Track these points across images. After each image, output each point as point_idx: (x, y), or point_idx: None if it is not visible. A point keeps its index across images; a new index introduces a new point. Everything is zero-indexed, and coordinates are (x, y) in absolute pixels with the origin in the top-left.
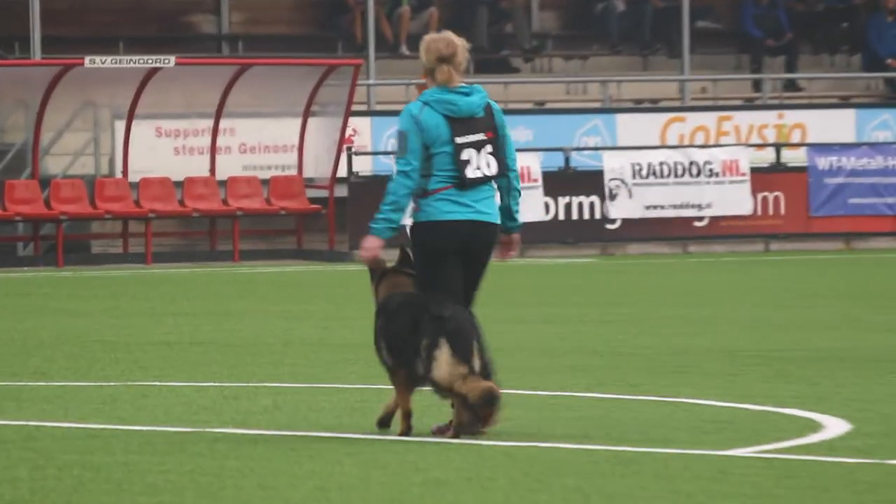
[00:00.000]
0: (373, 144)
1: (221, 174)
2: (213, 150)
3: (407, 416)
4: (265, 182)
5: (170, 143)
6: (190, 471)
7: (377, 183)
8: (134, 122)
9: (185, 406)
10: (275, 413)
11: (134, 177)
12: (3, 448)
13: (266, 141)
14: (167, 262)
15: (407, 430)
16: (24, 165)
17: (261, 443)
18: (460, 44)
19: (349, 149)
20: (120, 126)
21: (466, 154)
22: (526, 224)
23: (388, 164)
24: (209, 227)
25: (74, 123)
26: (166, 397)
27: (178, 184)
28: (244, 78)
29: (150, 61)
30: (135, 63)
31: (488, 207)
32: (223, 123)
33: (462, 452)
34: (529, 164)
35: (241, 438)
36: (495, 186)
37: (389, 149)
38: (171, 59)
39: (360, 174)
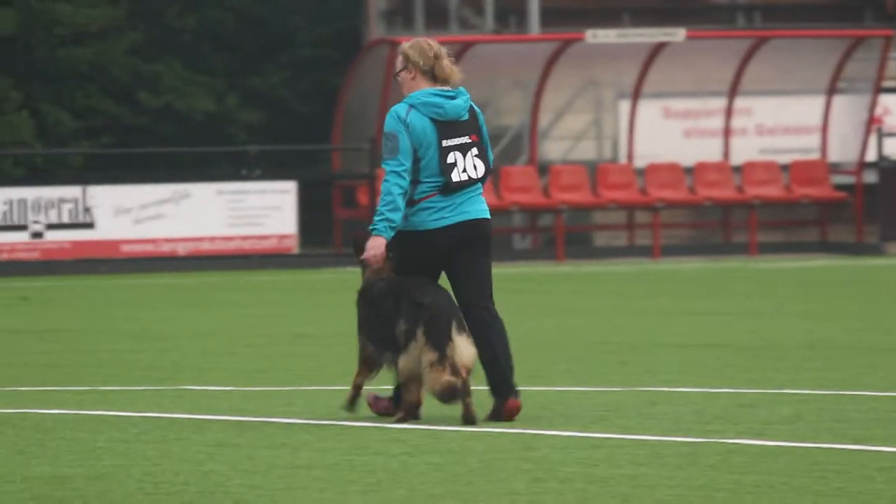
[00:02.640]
0: None
1: (736, 159)
2: (727, 132)
3: (356, 393)
4: (785, 168)
5: (678, 124)
6: (702, 486)
7: None
8: (639, 103)
9: (696, 414)
10: (796, 423)
11: (640, 162)
12: (500, 458)
13: (785, 122)
14: (676, 256)
15: (351, 404)
16: (520, 150)
17: (781, 456)
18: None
19: (879, 129)
20: (624, 107)
21: (452, 157)
22: None
23: None
24: (722, 218)
25: (575, 104)
26: (676, 405)
27: (688, 170)
28: (761, 52)
29: (656, 35)
30: (640, 37)
31: (474, 205)
32: (738, 103)
33: None
34: None
35: (759, 451)
36: (482, 186)
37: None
38: (681, 33)
39: (892, 158)
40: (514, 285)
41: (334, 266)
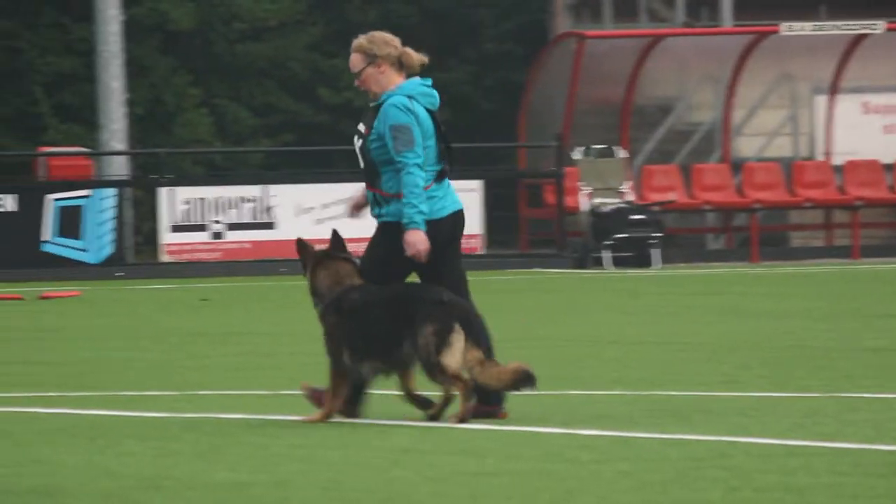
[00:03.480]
0: None
1: None
2: None
3: (329, 415)
4: None
5: (878, 120)
6: None
7: None
8: (837, 98)
9: None
10: None
11: (838, 159)
12: (695, 466)
13: None
14: (876, 257)
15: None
16: (712, 147)
17: None
18: None
19: None
20: (821, 102)
21: (442, 144)
22: None
23: None
24: None
25: (769, 99)
26: (877, 411)
27: (888, 167)
28: None
29: (855, 27)
30: (838, 30)
31: (455, 193)
32: None
33: None
34: None
35: None
36: None
37: None
38: (880, 25)
39: None
40: (707, 287)
41: (520, 267)
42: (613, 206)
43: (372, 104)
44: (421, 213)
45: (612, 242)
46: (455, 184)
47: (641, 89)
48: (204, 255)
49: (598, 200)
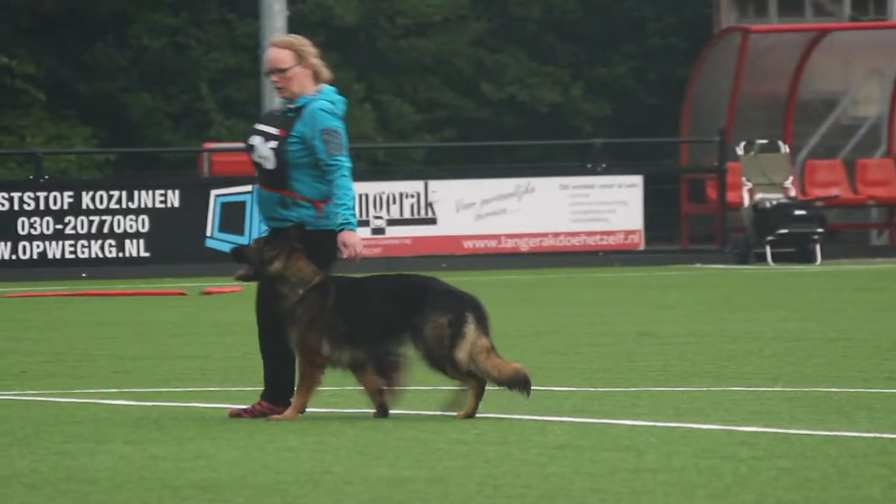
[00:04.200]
0: None
1: None
2: None
3: (301, 410)
4: None
5: None
6: None
7: None
8: None
9: None
10: None
11: None
12: (855, 463)
13: None
14: None
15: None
16: (877, 142)
17: None
18: None
19: None
20: None
21: None
22: None
23: None
24: None
25: None
26: None
27: None
28: None
29: None
30: None
31: None
32: None
33: None
34: None
35: None
36: None
37: None
38: None
39: None
40: (870, 283)
41: (682, 263)
42: (776, 202)
43: (288, 106)
44: (354, 215)
45: (774, 238)
46: (615, 179)
47: (806, 84)
48: (364, 251)
49: (760, 196)
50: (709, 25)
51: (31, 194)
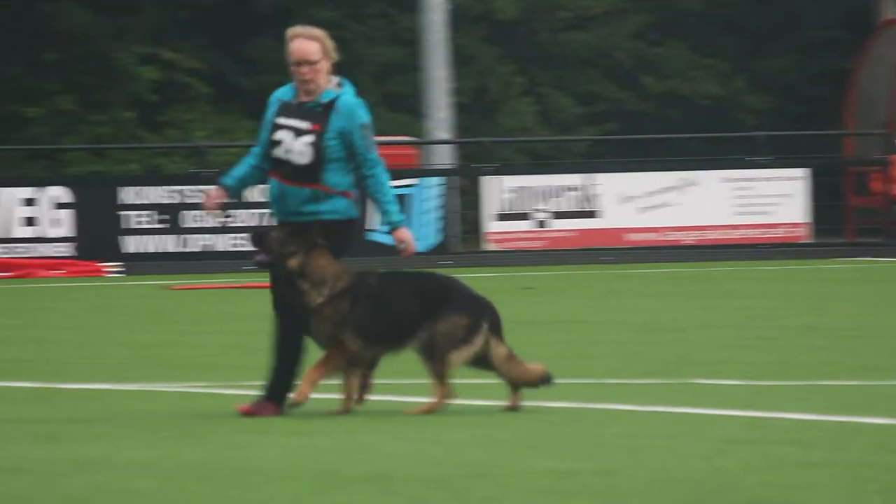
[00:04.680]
0: None
1: None
2: None
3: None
4: None
5: None
6: None
7: None
8: None
9: None
10: None
11: None
12: None
13: None
14: None
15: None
16: None
17: None
18: None
19: None
20: None
21: None
22: None
23: None
24: None
25: None
26: None
27: None
28: None
29: None
30: None
31: None
32: None
33: None
34: None
35: None
36: None
37: None
38: None
39: None
40: None
41: (847, 256)
42: None
43: (309, 99)
44: (400, 209)
45: None
46: (779, 172)
47: None
48: (527, 244)
49: None
50: (870, 17)
51: (196, 187)
